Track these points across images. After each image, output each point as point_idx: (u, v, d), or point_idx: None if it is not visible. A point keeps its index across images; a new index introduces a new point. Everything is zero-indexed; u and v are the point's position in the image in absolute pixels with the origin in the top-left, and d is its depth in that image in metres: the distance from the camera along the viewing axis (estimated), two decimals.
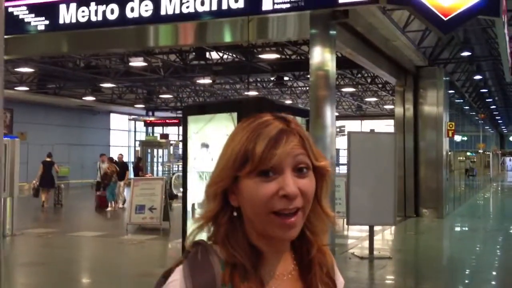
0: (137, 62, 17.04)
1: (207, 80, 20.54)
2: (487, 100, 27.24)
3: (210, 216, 1.03)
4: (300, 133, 1.02)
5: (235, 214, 1.02)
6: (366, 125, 35.64)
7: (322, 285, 1.08)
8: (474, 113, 25.49)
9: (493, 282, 7.86)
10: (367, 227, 9.13)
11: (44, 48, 12.08)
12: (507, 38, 10.01)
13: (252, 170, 0.97)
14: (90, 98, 25.37)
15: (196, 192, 4.73)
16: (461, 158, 27.10)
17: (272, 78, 21.34)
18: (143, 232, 11.07)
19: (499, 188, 30.43)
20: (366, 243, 8.99)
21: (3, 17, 1.69)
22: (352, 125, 35.00)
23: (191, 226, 4.81)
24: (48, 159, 16.18)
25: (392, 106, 25.06)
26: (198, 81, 20.97)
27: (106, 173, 15.34)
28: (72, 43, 11.61)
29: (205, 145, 4.68)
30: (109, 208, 15.13)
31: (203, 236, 1.06)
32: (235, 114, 4.43)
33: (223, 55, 17.07)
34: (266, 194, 0.96)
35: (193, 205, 4.73)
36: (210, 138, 4.66)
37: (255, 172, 0.97)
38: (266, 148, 0.96)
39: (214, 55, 17.09)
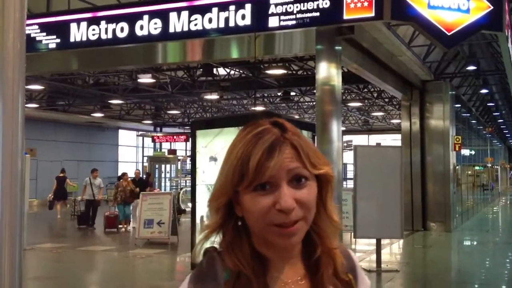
0: (145, 79, 17.24)
1: (214, 96, 20.73)
2: (494, 113, 27.22)
3: (214, 228, 1.05)
4: (295, 142, 1.01)
5: (239, 223, 1.04)
6: (373, 140, 35.65)
7: (331, 286, 1.05)
8: (481, 127, 25.46)
9: None
10: (374, 241, 9.15)
11: (55, 66, 12.31)
12: None
13: (248, 185, 0.98)
14: (98, 115, 25.62)
15: (205, 205, 4.83)
16: (469, 172, 27.00)
17: (278, 93, 21.49)
18: (151, 246, 11.14)
19: (508, 202, 30.26)
20: (373, 256, 9.01)
21: (24, 39, 1.81)
22: (359, 140, 35.01)
23: (198, 237, 4.90)
24: (61, 175, 17.49)
25: (399, 120, 25.10)
26: (205, 97, 21.16)
27: (124, 190, 13.77)
28: (82, 60, 11.82)
29: (214, 159, 4.79)
30: (122, 229, 13.75)
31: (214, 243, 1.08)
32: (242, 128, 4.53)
33: (230, 71, 17.26)
34: (262, 209, 0.97)
35: (201, 217, 4.82)
36: (218, 152, 4.76)
37: (252, 187, 0.98)
38: (259, 163, 0.96)
39: (222, 71, 17.27)
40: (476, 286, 8.35)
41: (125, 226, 13.86)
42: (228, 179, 1.01)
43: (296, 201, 0.97)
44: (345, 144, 28.77)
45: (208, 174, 4.72)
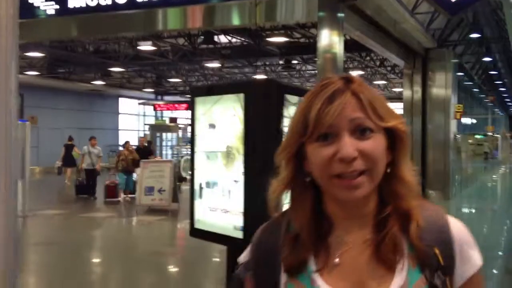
0: (146, 46, 17.13)
1: (215, 64, 20.61)
2: (496, 82, 27.06)
3: (284, 183, 1.03)
4: (359, 93, 0.96)
5: (307, 179, 1.01)
6: None
7: (394, 253, 0.96)
8: (483, 96, 25.36)
9: (500, 261, 7.93)
10: None
11: (54, 33, 12.19)
12: None
13: (310, 135, 0.95)
14: (99, 82, 25.52)
15: (204, 173, 4.84)
16: (470, 140, 27.00)
17: (280, 62, 21.34)
18: (152, 213, 11.26)
19: (508, 171, 30.35)
20: None
21: (17, 5, 1.79)
22: None
23: (198, 206, 4.94)
24: (69, 142, 17.55)
25: (401, 89, 24.98)
26: (206, 65, 21.04)
27: (125, 159, 13.27)
28: (81, 27, 11.69)
29: (212, 126, 4.77)
30: (120, 198, 13.33)
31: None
32: (242, 96, 4.51)
33: (231, 39, 17.10)
34: (324, 158, 0.94)
35: (200, 185, 4.84)
36: (217, 119, 4.75)
37: (314, 137, 0.95)
38: (319, 112, 0.94)
39: (223, 38, 17.12)
40: None
41: (127, 196, 13.28)
42: (293, 131, 1.00)
43: (359, 152, 0.93)
44: None
45: (207, 142, 4.72)
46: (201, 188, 4.95)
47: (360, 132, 0.94)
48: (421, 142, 14.53)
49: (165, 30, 14.72)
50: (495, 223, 11.44)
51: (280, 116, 4.51)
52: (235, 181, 4.56)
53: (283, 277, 1.02)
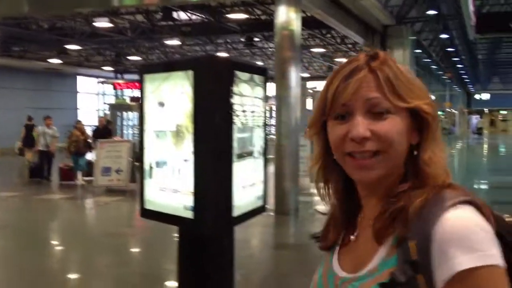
0: (103, 23, 16.68)
1: (175, 41, 20.27)
2: (454, 59, 27.56)
3: (317, 159, 1.03)
4: (379, 71, 0.93)
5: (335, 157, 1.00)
6: None
7: (389, 227, 0.91)
8: (441, 72, 25.80)
9: None
10: None
11: (4, 9, 11.74)
12: None
13: (329, 113, 0.96)
14: (56, 61, 24.82)
15: (153, 152, 4.74)
16: None
17: (242, 39, 21.16)
18: (110, 194, 11.09)
19: (465, 146, 31.16)
20: None
21: None
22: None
23: (148, 186, 4.85)
24: (29, 122, 16.58)
25: None
26: (166, 42, 20.67)
27: (77, 140, 12.73)
28: (32, 3, 11.30)
29: (161, 104, 4.67)
30: (78, 181, 12.72)
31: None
32: (191, 73, 4.41)
33: (191, 16, 16.82)
34: (338, 137, 0.94)
35: (150, 164, 4.75)
36: (166, 97, 4.64)
37: (332, 115, 0.95)
38: (336, 91, 0.94)
39: (183, 15, 16.82)
40: None
41: (84, 178, 12.69)
42: (316, 108, 1.00)
43: (372, 133, 0.91)
44: (310, 91, 28.80)
45: (156, 120, 4.62)
46: (150, 167, 4.86)
47: (376, 112, 0.91)
48: None
49: (121, 6, 14.37)
50: None
51: (230, 94, 4.44)
52: (185, 160, 4.48)
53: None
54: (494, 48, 30.03)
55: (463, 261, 0.80)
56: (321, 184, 1.05)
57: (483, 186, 14.09)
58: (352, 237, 1.00)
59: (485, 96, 50.02)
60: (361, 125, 0.90)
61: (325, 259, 1.05)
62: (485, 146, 28.22)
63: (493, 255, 0.81)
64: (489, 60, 35.25)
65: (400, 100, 0.91)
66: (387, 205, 0.92)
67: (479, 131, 41.48)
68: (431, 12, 14.99)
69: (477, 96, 51.99)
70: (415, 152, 0.94)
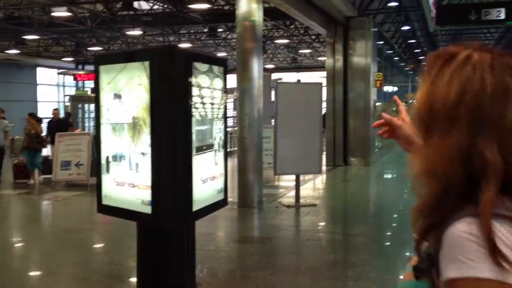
0: (61, 12, 16.21)
1: (137, 32, 19.92)
2: (415, 50, 27.98)
3: None
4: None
5: None
6: (302, 77, 35.94)
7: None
8: (403, 64, 26.16)
9: None
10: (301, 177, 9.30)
11: None
12: None
13: None
14: (14, 51, 24.05)
15: (110, 146, 4.60)
16: (394, 108, 27.87)
17: (205, 30, 20.94)
18: (70, 188, 10.82)
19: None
20: (294, 193, 9.18)
21: None
22: (289, 78, 35.17)
23: (105, 180, 4.71)
24: None
25: (325, 58, 25.35)
26: (127, 32, 20.28)
27: (29, 134, 11.57)
28: None
29: (118, 96, 4.53)
30: (31, 181, 11.60)
31: None
32: (147, 63, 4.29)
33: (153, 5, 16.53)
34: None
35: (107, 158, 4.62)
36: (122, 89, 4.51)
37: None
38: None
39: (144, 5, 16.52)
40: (392, 216, 8.70)
41: (37, 178, 11.67)
42: None
43: None
44: (275, 83, 28.74)
45: (113, 113, 4.48)
46: (108, 162, 4.72)
47: None
48: (343, 110, 14.80)
49: None
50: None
51: (188, 86, 4.34)
52: (142, 154, 4.37)
53: None
54: (454, 40, 30.61)
55: (451, 270, 0.84)
56: None
57: None
58: None
59: None
60: None
61: None
62: None
63: (480, 267, 0.81)
64: None
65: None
66: None
67: None
68: (393, 4, 15.12)
69: None
70: None
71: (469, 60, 0.92)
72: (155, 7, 16.68)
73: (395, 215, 8.71)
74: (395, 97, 1.48)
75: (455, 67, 0.93)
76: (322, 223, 8.32)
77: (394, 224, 8.16)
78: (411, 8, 17.35)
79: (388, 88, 30.52)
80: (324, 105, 11.99)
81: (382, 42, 17.07)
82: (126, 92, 4.46)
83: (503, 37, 27.78)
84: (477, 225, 0.83)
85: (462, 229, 0.85)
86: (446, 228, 0.86)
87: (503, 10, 13.27)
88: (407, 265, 1.01)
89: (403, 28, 19.72)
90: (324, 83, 14.14)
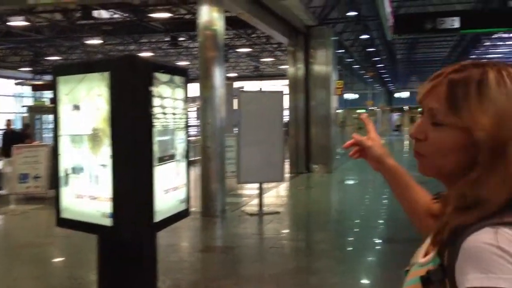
0: (18, 22, 15.87)
1: (97, 41, 19.68)
2: (374, 59, 28.54)
3: None
4: (451, 84, 0.93)
5: None
6: (265, 86, 36.14)
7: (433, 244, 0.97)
8: (363, 72, 26.63)
9: (380, 230, 8.36)
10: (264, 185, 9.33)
11: None
12: None
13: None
14: None
15: (69, 158, 4.52)
16: (355, 115, 28.36)
17: (166, 39, 20.85)
18: (27, 202, 10.54)
19: (387, 142, 32.36)
20: (257, 201, 9.21)
21: None
22: (251, 86, 35.31)
23: (64, 193, 4.63)
24: None
25: (287, 66, 25.57)
26: (87, 41, 20.00)
27: None
28: None
29: (77, 107, 4.47)
30: None
31: None
32: (107, 74, 4.25)
33: (113, 14, 16.36)
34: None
35: (66, 171, 4.54)
36: (81, 100, 4.45)
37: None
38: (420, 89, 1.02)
39: (104, 14, 16.32)
40: (354, 222, 8.82)
41: None
42: None
43: (425, 137, 0.97)
44: (237, 91, 28.81)
45: (72, 124, 4.41)
46: (66, 174, 4.64)
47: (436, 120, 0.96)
48: (305, 118, 14.95)
49: (38, 5, 13.71)
50: (374, 194, 12.09)
51: (149, 96, 4.31)
52: (102, 165, 4.31)
53: None
54: (412, 48, 31.39)
55: (471, 279, 0.83)
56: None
57: None
58: None
59: (405, 94, 52.28)
60: (417, 126, 0.99)
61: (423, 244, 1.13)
62: (406, 142, 29.43)
63: (502, 278, 0.81)
64: (407, 60, 36.82)
65: (454, 115, 0.92)
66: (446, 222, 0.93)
67: (398, 128, 43.26)
68: (352, 14, 15.41)
69: (397, 95, 54.23)
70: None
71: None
72: (115, 16, 16.51)
73: (357, 221, 8.85)
74: (363, 115, 1.49)
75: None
76: (285, 231, 8.37)
77: (356, 230, 8.28)
78: (370, 17, 17.71)
79: (348, 96, 31.02)
80: (286, 113, 12.10)
81: (342, 51, 17.35)
82: (86, 103, 4.40)
83: (457, 46, 28.65)
84: (499, 235, 0.84)
85: (485, 239, 0.84)
86: (465, 237, 0.86)
87: (457, 19, 13.71)
88: (407, 279, 1.01)
89: (362, 37, 20.09)
90: (286, 91, 14.29)
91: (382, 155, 1.35)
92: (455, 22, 13.68)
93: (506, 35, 26.13)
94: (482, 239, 0.84)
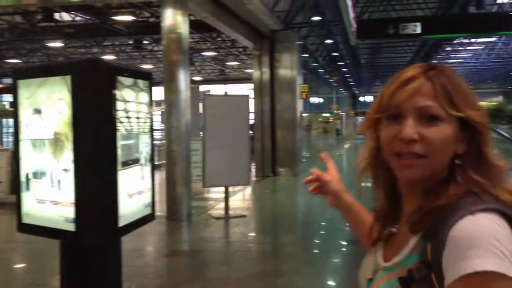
0: None
1: (58, 44, 19.32)
2: (339, 63, 28.89)
3: (367, 154, 1.09)
4: (436, 80, 0.98)
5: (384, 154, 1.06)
6: (231, 89, 36.14)
7: (420, 224, 0.96)
8: (328, 76, 26.92)
9: (345, 232, 8.43)
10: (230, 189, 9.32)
11: None
12: (349, 3, 10.61)
13: (382, 112, 1.02)
14: None
15: (31, 162, 4.43)
16: (321, 119, 28.64)
17: (130, 42, 20.62)
18: None
19: (352, 146, 32.80)
20: (223, 204, 9.19)
21: None
22: (217, 90, 35.28)
23: (25, 198, 4.53)
24: None
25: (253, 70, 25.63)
26: (48, 44, 19.62)
27: None
28: None
29: (38, 111, 4.38)
30: None
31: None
32: (68, 78, 4.19)
33: (75, 17, 16.08)
34: (388, 136, 1.00)
35: (27, 176, 4.44)
36: (42, 104, 4.37)
37: (385, 115, 1.01)
38: (391, 93, 1.00)
39: (66, 16, 16.03)
40: (320, 224, 8.89)
41: None
42: (372, 107, 1.06)
43: (420, 136, 0.96)
44: (203, 95, 28.73)
45: (33, 129, 4.32)
46: (28, 179, 4.55)
47: (428, 118, 0.96)
48: (270, 122, 15.02)
49: None
50: None
51: (112, 100, 4.26)
52: (65, 170, 4.24)
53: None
54: (375, 53, 31.93)
55: (465, 267, 0.84)
56: (365, 181, 1.13)
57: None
58: (393, 229, 1.08)
59: (369, 98, 53.12)
60: (409, 128, 0.96)
61: (368, 256, 1.14)
62: None
63: (490, 262, 0.83)
64: (371, 64, 37.42)
65: (454, 108, 0.96)
66: (425, 202, 0.97)
67: None
68: (316, 18, 15.57)
69: (361, 98, 55.05)
70: (457, 161, 0.98)
71: None
72: (77, 18, 16.24)
73: (323, 223, 8.93)
74: (323, 154, 1.54)
75: None
76: (252, 234, 8.38)
77: (323, 232, 8.35)
78: (334, 22, 17.91)
79: (314, 100, 31.31)
80: (252, 116, 12.13)
81: (307, 55, 17.51)
82: (47, 107, 4.32)
83: (420, 51, 29.28)
84: (495, 221, 0.87)
85: (479, 224, 0.87)
86: (453, 225, 0.88)
87: (419, 25, 14.03)
88: (376, 287, 1.02)
89: (326, 42, 20.32)
90: (252, 95, 14.33)
91: (339, 191, 1.43)
92: (417, 28, 14.00)
93: (466, 41, 26.90)
94: (471, 225, 0.87)
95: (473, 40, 26.79)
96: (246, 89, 33.16)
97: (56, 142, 4.27)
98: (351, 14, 11.62)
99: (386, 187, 1.09)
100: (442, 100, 0.96)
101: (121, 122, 4.38)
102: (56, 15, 15.22)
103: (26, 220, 4.56)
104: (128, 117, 4.50)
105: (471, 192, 0.93)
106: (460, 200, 0.92)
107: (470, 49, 31.02)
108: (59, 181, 4.23)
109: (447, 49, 29.77)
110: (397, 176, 1.02)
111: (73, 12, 15.33)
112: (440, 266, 0.87)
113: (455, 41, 26.45)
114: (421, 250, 0.93)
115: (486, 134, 0.98)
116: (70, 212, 4.13)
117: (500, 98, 51.36)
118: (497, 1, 16.11)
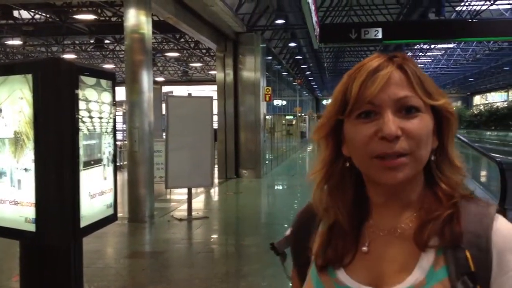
0: None
1: (17, 42, 18.86)
2: (302, 66, 29.16)
3: (324, 164, 0.96)
4: (406, 66, 0.87)
5: (347, 164, 0.94)
6: (194, 91, 36.00)
7: (435, 236, 0.86)
8: (291, 79, 27.13)
9: None
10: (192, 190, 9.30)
11: None
12: (312, 8, 10.75)
13: (350, 111, 0.88)
14: None
15: None
16: (284, 121, 28.81)
17: (91, 41, 20.31)
18: None
19: (315, 148, 33.14)
20: (186, 206, 9.17)
21: None
22: (180, 91, 35.12)
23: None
24: None
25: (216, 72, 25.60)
26: (7, 42, 19.13)
27: None
28: None
29: None
30: None
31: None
32: (30, 76, 4.12)
33: (34, 15, 15.75)
34: (364, 137, 0.86)
35: None
36: (2, 103, 4.28)
37: (355, 114, 0.88)
38: (361, 87, 0.86)
39: (25, 14, 15.68)
40: (283, 226, 8.97)
41: None
42: (332, 108, 0.92)
43: (403, 132, 0.84)
44: (165, 96, 28.50)
45: None
46: None
47: (406, 110, 0.86)
48: (234, 124, 15.06)
49: None
50: (302, 198, 12.34)
51: (74, 99, 4.22)
52: (25, 169, 4.18)
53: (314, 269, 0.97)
54: (338, 57, 32.36)
55: None
56: (322, 194, 0.98)
57: None
58: (364, 248, 0.93)
59: None
60: (392, 123, 0.84)
61: (315, 278, 0.96)
62: None
63: None
64: (333, 68, 37.92)
65: (429, 97, 0.87)
66: (430, 213, 0.88)
67: None
68: (280, 21, 15.69)
69: (324, 102, 55.66)
70: (433, 157, 0.91)
71: None
72: (37, 16, 15.90)
73: (286, 225, 9.00)
74: None
75: None
76: (214, 235, 8.40)
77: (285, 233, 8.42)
78: (297, 25, 18.08)
79: (277, 102, 31.48)
80: (215, 118, 12.14)
81: (270, 58, 17.63)
82: (7, 105, 4.24)
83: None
84: (507, 221, 0.86)
85: (508, 225, 0.85)
86: (490, 229, 0.84)
87: (380, 30, 14.32)
88: None
89: (290, 45, 20.50)
90: (215, 96, 14.34)
91: None
92: (378, 33, 14.29)
93: (426, 46, 27.57)
94: (506, 224, 0.85)
95: (432, 46, 27.48)
96: (209, 90, 33.12)
97: (17, 141, 4.20)
98: (314, 18, 11.78)
99: (347, 200, 0.95)
100: (418, 89, 0.87)
101: (83, 122, 4.34)
102: (15, 13, 14.86)
103: None
104: (90, 117, 4.46)
105: (464, 195, 0.90)
106: (466, 205, 0.88)
107: (429, 54, 31.79)
108: (19, 181, 4.16)
109: (408, 54, 30.38)
110: (379, 181, 0.88)
111: (32, 10, 15.01)
112: (488, 276, 0.82)
113: (415, 47, 27.08)
114: (453, 261, 0.84)
115: (455, 125, 0.92)
116: (30, 212, 4.07)
117: (459, 103, 52.79)
118: (456, 9, 16.58)
